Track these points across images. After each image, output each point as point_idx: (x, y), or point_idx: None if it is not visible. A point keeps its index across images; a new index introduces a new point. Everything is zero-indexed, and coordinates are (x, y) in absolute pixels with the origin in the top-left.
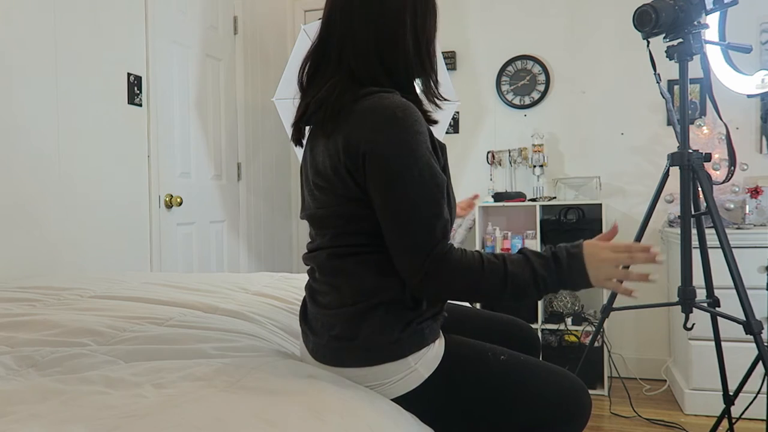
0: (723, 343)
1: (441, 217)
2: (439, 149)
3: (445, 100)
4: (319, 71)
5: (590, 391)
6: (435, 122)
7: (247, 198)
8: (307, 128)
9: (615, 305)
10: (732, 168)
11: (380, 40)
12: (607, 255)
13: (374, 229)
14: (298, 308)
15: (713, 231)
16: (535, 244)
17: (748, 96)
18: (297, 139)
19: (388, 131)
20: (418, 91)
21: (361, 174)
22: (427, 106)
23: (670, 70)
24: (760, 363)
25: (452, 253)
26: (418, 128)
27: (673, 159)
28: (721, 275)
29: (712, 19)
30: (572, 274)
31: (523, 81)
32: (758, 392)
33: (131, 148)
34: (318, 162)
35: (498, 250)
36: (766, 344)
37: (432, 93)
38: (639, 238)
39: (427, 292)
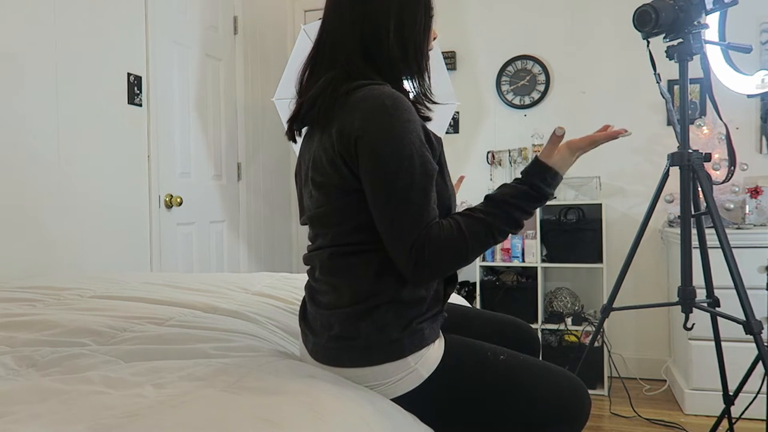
0: (723, 343)
1: (428, 206)
2: (434, 141)
3: (434, 103)
4: (315, 71)
5: (590, 391)
6: (428, 119)
7: (247, 198)
8: (303, 130)
9: (615, 305)
10: (732, 168)
11: (365, 41)
12: (571, 156)
13: (374, 224)
14: (298, 308)
15: (713, 231)
16: (535, 245)
17: (748, 96)
18: (292, 135)
19: (377, 119)
20: (408, 89)
21: (355, 163)
22: (419, 104)
23: (670, 70)
24: (760, 363)
25: (432, 233)
26: (408, 117)
27: (673, 159)
28: (721, 275)
29: (712, 19)
30: (549, 186)
31: (523, 81)
32: (758, 392)
33: (131, 148)
34: (315, 158)
35: (498, 250)
36: (766, 344)
37: (421, 95)
38: (639, 238)
39: (421, 279)
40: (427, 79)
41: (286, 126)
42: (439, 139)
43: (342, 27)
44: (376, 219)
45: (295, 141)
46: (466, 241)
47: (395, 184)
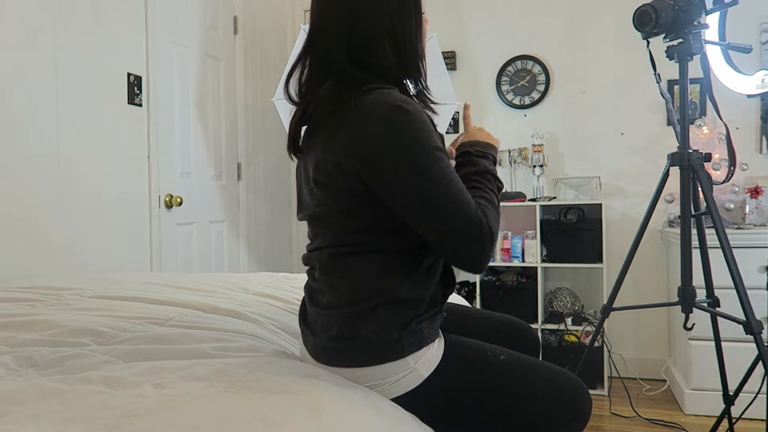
0: (723, 343)
1: (466, 192)
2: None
3: (434, 103)
4: (314, 73)
5: (590, 391)
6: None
7: (247, 198)
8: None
9: (615, 305)
10: (732, 168)
11: (356, 49)
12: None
13: (375, 225)
14: (298, 308)
15: (713, 231)
16: (535, 245)
17: (748, 96)
18: (293, 148)
19: (398, 124)
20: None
21: (370, 171)
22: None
23: (670, 70)
24: (760, 363)
25: (483, 221)
26: (424, 118)
27: (673, 159)
28: (721, 275)
29: (712, 19)
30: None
31: (523, 81)
32: (758, 392)
33: (131, 148)
34: (318, 158)
35: (498, 250)
36: (766, 344)
37: (422, 92)
38: (639, 238)
39: (486, 260)
40: (424, 79)
41: (288, 130)
42: (442, 137)
43: (329, 36)
44: (420, 226)
45: (296, 154)
46: (495, 205)
47: (434, 184)
